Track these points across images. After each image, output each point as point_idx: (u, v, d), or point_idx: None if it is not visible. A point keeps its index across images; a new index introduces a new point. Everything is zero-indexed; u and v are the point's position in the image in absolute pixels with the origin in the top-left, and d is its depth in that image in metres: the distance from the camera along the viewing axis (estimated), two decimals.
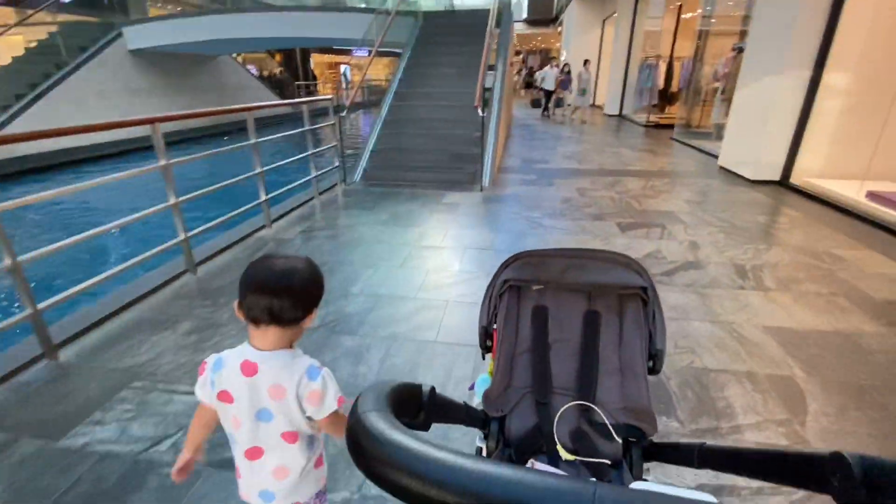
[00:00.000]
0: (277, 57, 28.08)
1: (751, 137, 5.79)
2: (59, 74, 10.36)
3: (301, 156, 4.57)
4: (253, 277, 0.89)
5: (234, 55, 16.29)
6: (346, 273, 3.19)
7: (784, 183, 5.46)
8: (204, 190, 3.26)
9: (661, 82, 12.63)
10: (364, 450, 0.37)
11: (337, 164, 5.37)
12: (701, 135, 8.89)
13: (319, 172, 4.92)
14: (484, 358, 1.13)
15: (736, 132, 6.15)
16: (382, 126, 6.52)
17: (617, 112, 13.65)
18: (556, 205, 4.75)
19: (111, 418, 1.87)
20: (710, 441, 0.84)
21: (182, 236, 3.02)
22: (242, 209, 3.75)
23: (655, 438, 0.97)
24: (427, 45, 8.16)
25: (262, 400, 0.92)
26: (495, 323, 1.08)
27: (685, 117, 9.51)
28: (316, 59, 32.50)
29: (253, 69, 24.58)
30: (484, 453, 1.03)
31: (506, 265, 1.08)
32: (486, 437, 1.03)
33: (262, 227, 4.04)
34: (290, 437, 0.96)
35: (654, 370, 1.00)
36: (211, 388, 0.93)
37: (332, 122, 5.17)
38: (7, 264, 2.05)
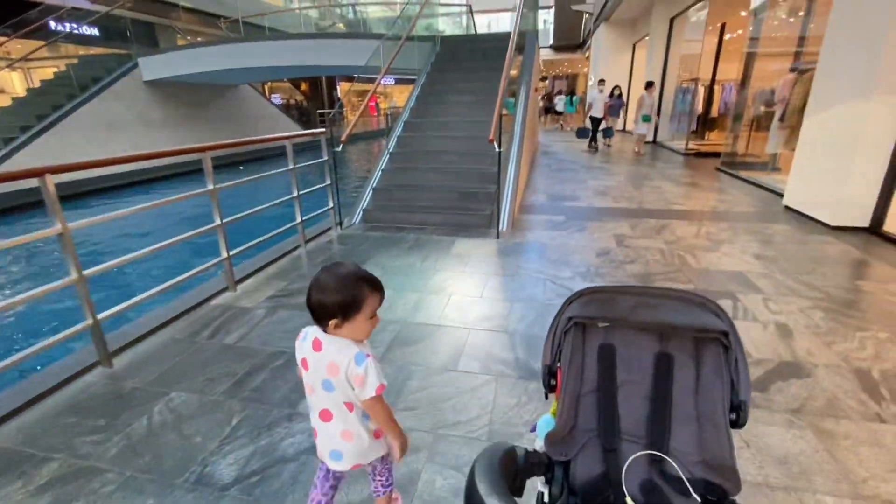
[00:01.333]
0: (303, 86, 28.48)
1: (827, 174, 4.77)
2: (70, 105, 10.24)
3: (278, 201, 3.86)
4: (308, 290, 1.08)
5: (258, 84, 16.27)
6: None
7: (876, 231, 4.40)
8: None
9: (699, 107, 11.68)
10: None
11: (331, 205, 4.66)
12: (752, 165, 7.85)
13: (305, 218, 4.20)
14: (547, 398, 1.09)
15: (807, 167, 5.14)
16: (388, 160, 5.82)
17: (651, 139, 12.68)
18: (591, 259, 3.85)
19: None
20: None
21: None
22: (194, 271, 3.02)
23: (739, 500, 0.88)
24: (444, 70, 7.52)
25: (324, 373, 1.10)
26: (559, 361, 1.04)
27: (731, 145, 8.49)
28: (343, 87, 32.91)
29: (277, 98, 24.91)
30: (546, 499, 0.97)
31: (570, 301, 1.05)
32: (548, 482, 0.97)
33: (224, 290, 3.30)
34: (349, 406, 1.13)
35: (737, 423, 0.90)
36: (297, 355, 1.15)
37: (325, 160, 4.47)
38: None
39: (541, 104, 22.75)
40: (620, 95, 11.63)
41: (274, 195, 4.02)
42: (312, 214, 4.37)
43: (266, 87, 25.08)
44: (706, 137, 12.26)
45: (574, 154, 10.71)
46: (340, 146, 4.47)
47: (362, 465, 1.21)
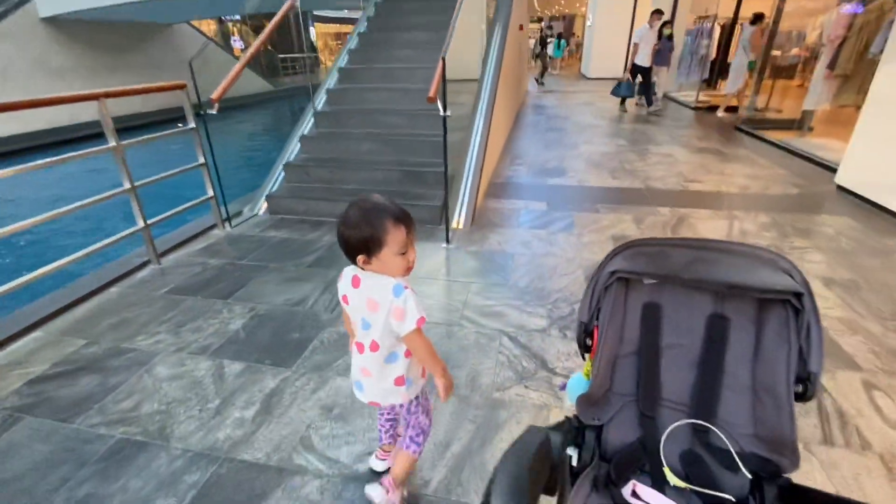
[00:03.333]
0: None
1: None
2: None
3: (87, 202, 2.46)
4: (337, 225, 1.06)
5: (195, 23, 13.89)
6: None
7: None
8: None
9: (713, 52, 10.00)
10: None
11: (209, 194, 3.24)
12: (780, 124, 6.42)
13: (155, 220, 2.81)
14: (584, 358, 1.01)
15: (876, 135, 3.76)
16: (313, 123, 4.32)
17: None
18: (579, 283, 2.55)
19: None
20: None
21: None
22: None
23: (796, 479, 0.79)
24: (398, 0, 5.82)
25: (363, 309, 1.10)
26: (597, 319, 0.95)
27: (754, 99, 7.00)
28: (319, 30, 29.87)
29: (238, 42, 22.26)
30: (574, 463, 0.90)
31: (614, 253, 0.94)
32: (578, 447, 0.91)
33: None
34: (374, 346, 1.12)
35: (804, 396, 0.80)
36: (339, 292, 1.15)
37: (190, 128, 3.01)
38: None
39: (534, 47, 21.05)
40: (671, 37, 8.25)
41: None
42: (169, 213, 2.96)
43: (225, 30, 22.36)
44: (718, 88, 10.68)
45: (567, 108, 9.12)
46: (215, 108, 3.01)
47: (380, 405, 1.24)
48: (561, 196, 4.06)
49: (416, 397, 1.24)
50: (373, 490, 1.31)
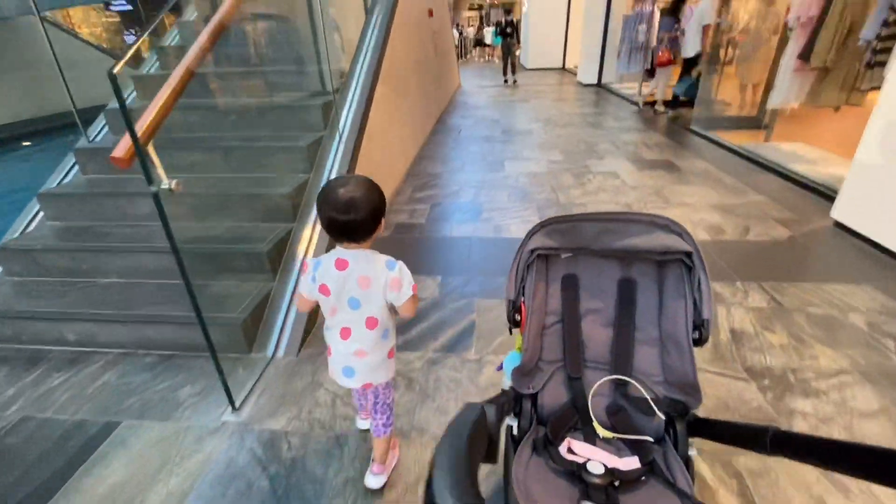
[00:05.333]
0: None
1: None
2: None
3: None
4: (325, 212, 1.02)
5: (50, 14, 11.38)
6: None
7: None
8: None
9: (654, 39, 9.06)
10: None
11: None
12: (739, 123, 5.44)
13: None
14: (511, 333, 1.09)
15: (888, 157, 2.67)
16: (76, 167, 2.76)
17: (595, 80, 10.01)
18: None
19: None
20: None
21: None
22: None
23: (700, 413, 0.92)
24: None
25: (353, 289, 1.09)
26: (523, 296, 1.03)
27: (708, 92, 5.99)
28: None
29: (132, 36, 19.47)
30: (515, 432, 0.97)
31: (532, 234, 1.02)
32: (517, 416, 0.98)
33: None
34: (372, 322, 1.13)
35: (699, 341, 0.92)
36: (312, 283, 1.11)
37: None
38: None
39: (471, 37, 20.16)
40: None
41: None
42: None
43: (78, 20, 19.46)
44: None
45: (500, 107, 7.85)
46: None
47: (372, 384, 1.23)
48: (465, 261, 2.75)
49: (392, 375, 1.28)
50: (369, 481, 1.37)
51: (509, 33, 9.89)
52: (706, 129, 5.42)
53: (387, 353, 1.21)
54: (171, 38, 3.63)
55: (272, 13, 3.75)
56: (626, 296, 1.01)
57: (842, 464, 0.55)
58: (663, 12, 6.49)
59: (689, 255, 0.93)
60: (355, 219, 1.01)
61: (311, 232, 2.36)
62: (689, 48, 5.94)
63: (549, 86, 10.38)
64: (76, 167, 2.75)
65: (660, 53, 6.61)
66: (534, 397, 1.01)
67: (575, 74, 11.24)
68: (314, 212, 2.44)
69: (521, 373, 0.99)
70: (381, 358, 1.19)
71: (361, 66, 3.26)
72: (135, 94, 3.17)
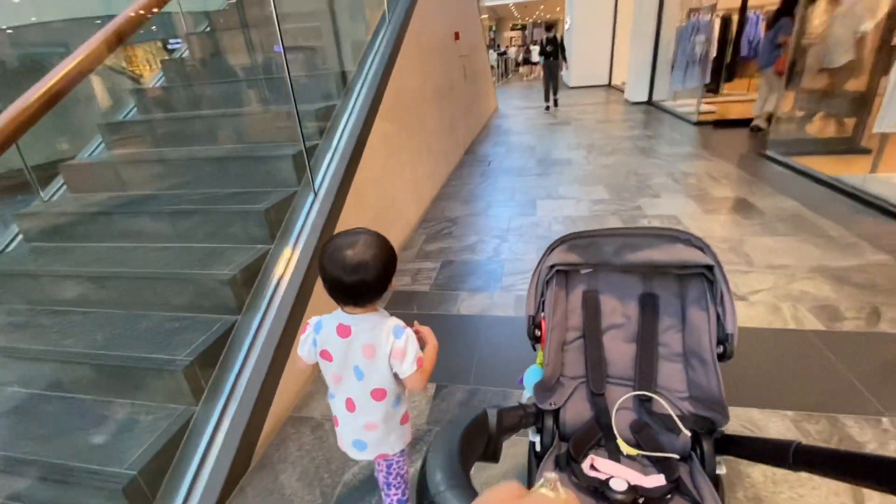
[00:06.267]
0: None
1: None
2: None
3: None
4: (329, 272, 0.93)
5: None
6: None
7: None
8: None
9: (714, 49, 8.06)
10: None
11: None
12: (830, 146, 4.45)
13: None
14: (534, 349, 1.08)
15: None
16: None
17: (645, 98, 9.10)
18: None
19: None
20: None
21: None
22: None
23: (726, 430, 0.89)
24: None
25: (357, 358, 1.00)
26: (543, 311, 1.04)
27: (788, 110, 5.00)
28: None
29: None
30: (537, 448, 0.98)
31: (551, 249, 1.04)
32: (539, 432, 0.98)
33: None
34: (379, 394, 1.03)
35: (724, 356, 0.91)
36: (314, 347, 1.04)
37: None
38: None
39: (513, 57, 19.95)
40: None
41: None
42: None
43: None
44: (721, 92, 8.74)
45: (538, 132, 7.16)
46: None
47: (388, 455, 1.13)
48: (471, 357, 2.06)
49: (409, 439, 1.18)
50: None
51: (551, 52, 8.70)
52: (786, 153, 4.46)
53: (399, 420, 1.10)
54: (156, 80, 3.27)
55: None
56: (648, 310, 1.00)
57: (866, 477, 0.54)
58: (779, 13, 5.43)
59: (710, 268, 0.92)
60: (364, 279, 0.94)
61: (266, 327, 1.77)
62: (840, 55, 4.68)
63: (593, 105, 9.59)
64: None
65: (779, 59, 5.48)
66: (556, 413, 1.00)
67: (622, 91, 10.37)
68: (271, 298, 1.87)
69: (542, 388, 0.99)
70: (394, 426, 1.09)
71: (354, 103, 2.71)
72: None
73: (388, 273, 0.97)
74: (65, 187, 2.59)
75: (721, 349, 0.91)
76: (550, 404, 0.97)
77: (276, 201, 2.10)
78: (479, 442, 0.69)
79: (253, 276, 1.90)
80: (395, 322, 1.01)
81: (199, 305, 1.83)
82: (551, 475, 0.32)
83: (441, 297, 2.59)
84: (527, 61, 19.71)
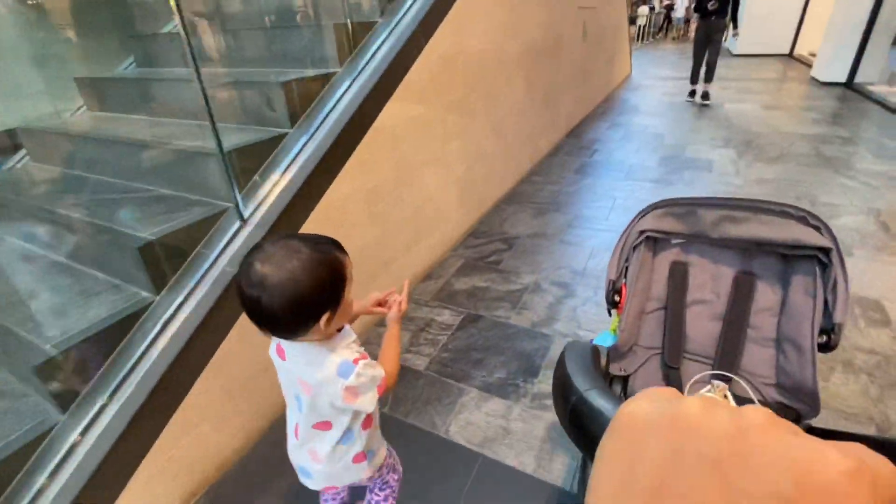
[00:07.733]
0: None
1: None
2: None
3: None
4: (236, 283, 0.70)
5: None
6: None
7: None
8: None
9: None
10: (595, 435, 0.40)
11: None
12: None
13: None
14: (610, 314, 1.03)
15: None
16: None
17: (843, 78, 6.60)
18: None
19: None
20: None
21: None
22: None
23: (815, 423, 0.83)
24: None
25: (295, 387, 0.83)
26: (625, 277, 0.99)
27: None
28: None
29: None
30: None
31: (643, 214, 0.99)
32: None
33: None
34: (323, 425, 0.85)
35: (827, 346, 0.84)
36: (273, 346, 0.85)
37: None
38: None
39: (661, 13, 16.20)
40: None
41: None
42: None
43: None
44: None
45: (670, 118, 5.50)
46: None
47: (339, 487, 1.00)
48: None
49: (381, 465, 0.98)
50: None
51: (712, 10, 5.23)
52: None
53: (351, 459, 0.89)
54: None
55: None
56: (742, 290, 0.94)
57: None
58: None
59: (825, 251, 0.85)
60: (263, 302, 0.66)
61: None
62: None
63: (761, 82, 7.30)
64: None
65: None
66: (624, 381, 0.97)
67: (808, 66, 7.76)
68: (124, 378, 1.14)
69: (614, 354, 0.96)
70: (342, 466, 0.89)
71: (357, 75, 1.77)
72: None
73: (304, 305, 0.68)
74: None
75: (824, 339, 0.84)
76: (621, 370, 0.96)
77: (170, 229, 1.32)
78: (599, 369, 0.69)
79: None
80: (342, 359, 0.75)
81: None
82: (720, 383, 0.29)
83: (434, 392, 1.66)
84: (669, 21, 14.62)
